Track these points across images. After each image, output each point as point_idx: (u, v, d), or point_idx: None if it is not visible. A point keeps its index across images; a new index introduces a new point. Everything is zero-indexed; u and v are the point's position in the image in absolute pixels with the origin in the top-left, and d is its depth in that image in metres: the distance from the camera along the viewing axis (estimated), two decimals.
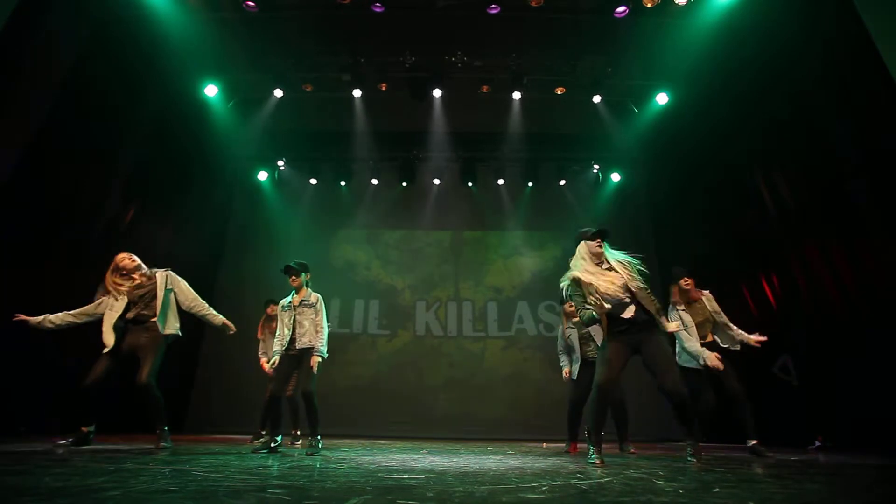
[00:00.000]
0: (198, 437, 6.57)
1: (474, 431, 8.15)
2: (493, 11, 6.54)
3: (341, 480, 2.11)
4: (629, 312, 3.18)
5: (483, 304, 9.40)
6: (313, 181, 9.69)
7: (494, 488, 1.94)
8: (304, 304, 3.95)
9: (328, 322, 4.19)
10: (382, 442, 6.13)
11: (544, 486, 2.02)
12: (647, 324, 3.19)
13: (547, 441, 6.51)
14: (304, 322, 3.89)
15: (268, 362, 5.60)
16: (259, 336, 5.80)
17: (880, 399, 4.71)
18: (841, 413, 5.26)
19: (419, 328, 9.28)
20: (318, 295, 4.05)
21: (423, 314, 9.37)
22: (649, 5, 6.35)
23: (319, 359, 3.83)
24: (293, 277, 3.98)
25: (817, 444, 5.24)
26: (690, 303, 4.09)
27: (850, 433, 5.10)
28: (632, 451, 4.58)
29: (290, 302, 3.99)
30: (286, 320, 3.93)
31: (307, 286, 4.04)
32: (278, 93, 7.85)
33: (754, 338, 4.00)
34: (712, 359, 3.78)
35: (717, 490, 1.89)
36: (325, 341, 3.92)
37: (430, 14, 6.87)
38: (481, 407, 8.58)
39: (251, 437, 5.64)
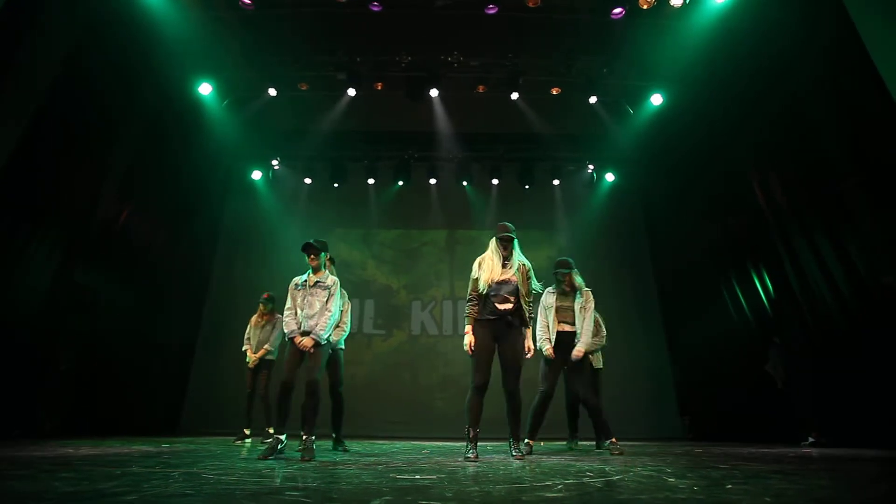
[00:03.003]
0: (194, 437, 6.49)
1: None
2: (491, 12, 6.54)
3: (355, 482, 2.11)
4: (506, 305, 3.48)
5: None
6: (308, 180, 9.62)
7: (510, 487, 1.95)
8: (319, 286, 3.71)
9: (345, 316, 4.05)
10: (380, 442, 6.12)
11: (559, 484, 2.04)
12: (513, 323, 3.51)
13: (544, 440, 6.54)
14: (314, 303, 3.65)
15: (253, 353, 5.67)
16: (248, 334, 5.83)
17: (873, 396, 4.81)
18: (834, 410, 5.36)
19: (415, 327, 9.26)
20: (336, 279, 3.83)
21: (418, 313, 9.36)
22: (645, 7, 6.40)
23: (312, 341, 3.55)
24: (311, 256, 3.74)
25: (811, 440, 5.33)
26: (565, 292, 4.27)
27: (844, 429, 5.19)
28: (613, 448, 4.67)
29: (305, 281, 3.75)
30: (298, 300, 3.70)
31: (324, 268, 3.82)
32: (272, 92, 7.78)
33: (576, 351, 4.13)
34: (549, 350, 4.12)
35: (729, 486, 1.92)
36: (329, 326, 3.64)
37: (426, 14, 6.84)
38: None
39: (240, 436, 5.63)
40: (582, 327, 4.15)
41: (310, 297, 3.68)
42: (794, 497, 1.66)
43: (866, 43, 4.56)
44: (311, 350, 3.56)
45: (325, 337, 3.65)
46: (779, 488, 1.86)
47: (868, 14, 4.70)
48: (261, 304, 5.82)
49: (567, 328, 4.19)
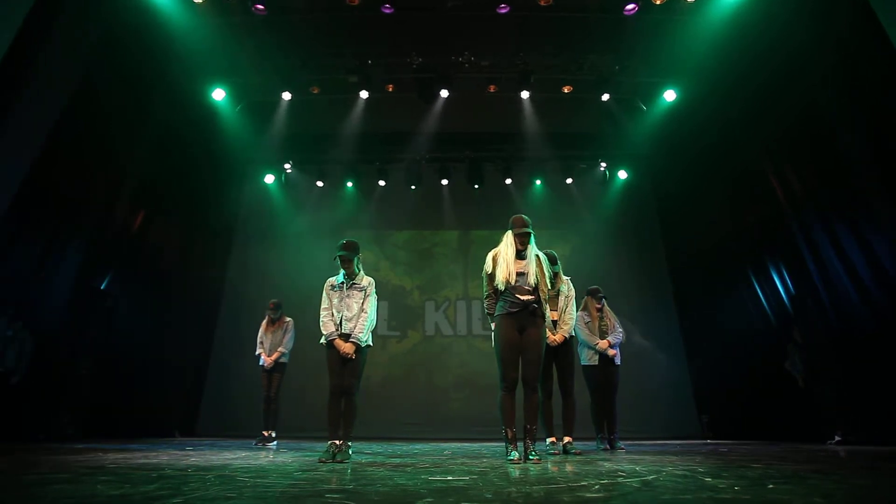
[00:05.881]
0: (214, 440, 6.54)
1: (486, 431, 8.13)
2: (503, 11, 6.53)
3: (390, 483, 2.11)
4: (527, 296, 3.40)
5: None
6: (320, 183, 9.66)
7: (548, 488, 1.94)
8: (355, 287, 3.66)
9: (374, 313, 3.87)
10: (398, 443, 6.13)
11: (595, 484, 2.02)
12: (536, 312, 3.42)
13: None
14: (352, 305, 3.61)
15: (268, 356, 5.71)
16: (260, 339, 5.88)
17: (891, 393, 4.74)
18: (857, 407, 5.28)
19: (429, 328, 9.27)
20: (371, 279, 3.77)
21: (432, 314, 9.37)
22: (658, 2, 6.35)
23: (352, 346, 3.54)
24: (346, 264, 3.64)
25: (837, 438, 5.25)
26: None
27: (871, 427, 5.11)
28: (618, 447, 4.67)
29: (342, 282, 3.68)
30: (335, 301, 3.64)
31: (359, 269, 3.74)
32: (286, 96, 7.82)
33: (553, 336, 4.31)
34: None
35: (771, 486, 1.90)
36: (367, 328, 3.61)
37: (436, 14, 6.84)
38: (492, 406, 8.52)
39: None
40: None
41: (347, 300, 3.63)
42: (844, 497, 1.64)
43: (889, 32, 4.49)
44: (353, 356, 3.55)
45: (364, 340, 3.63)
46: (825, 488, 1.83)
47: (889, 3, 4.63)
48: (268, 314, 5.87)
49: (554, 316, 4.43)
